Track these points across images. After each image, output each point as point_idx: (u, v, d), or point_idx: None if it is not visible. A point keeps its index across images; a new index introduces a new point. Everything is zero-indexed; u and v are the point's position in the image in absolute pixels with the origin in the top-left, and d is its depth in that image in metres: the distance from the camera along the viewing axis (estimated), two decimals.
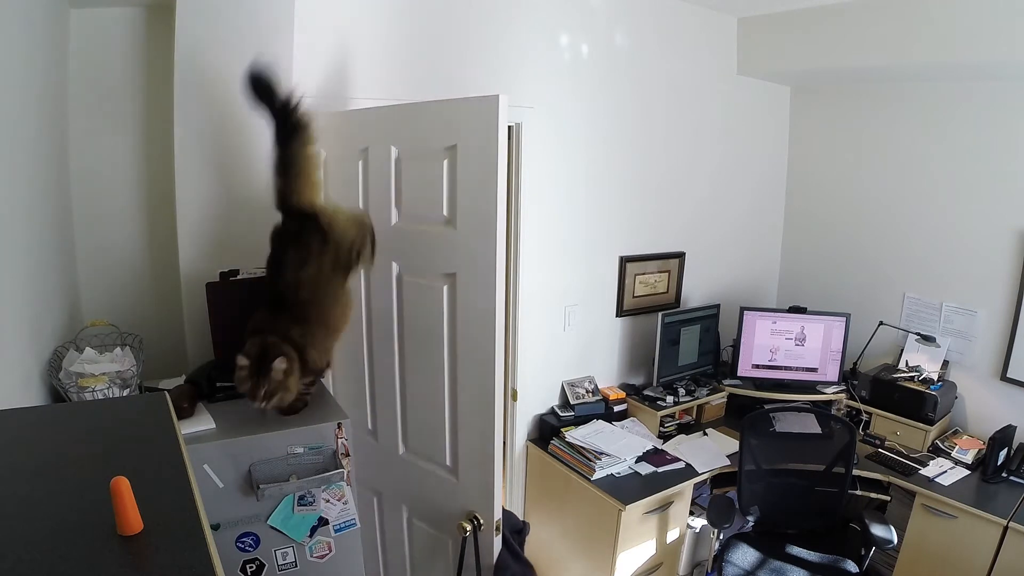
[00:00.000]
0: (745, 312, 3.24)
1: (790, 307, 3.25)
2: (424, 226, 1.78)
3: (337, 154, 1.99)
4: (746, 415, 2.79)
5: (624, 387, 3.23)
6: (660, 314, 3.10)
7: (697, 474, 2.72)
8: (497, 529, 1.81)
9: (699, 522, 2.80)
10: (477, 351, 1.72)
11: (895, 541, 2.46)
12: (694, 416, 3.20)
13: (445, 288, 1.76)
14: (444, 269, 1.75)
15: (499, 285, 1.64)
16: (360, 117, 1.98)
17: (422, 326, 1.86)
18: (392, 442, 2.06)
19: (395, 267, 1.90)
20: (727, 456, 2.85)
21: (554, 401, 3.05)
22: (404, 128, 1.81)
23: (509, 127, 2.52)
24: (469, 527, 1.80)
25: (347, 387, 2.16)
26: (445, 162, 1.68)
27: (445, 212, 1.72)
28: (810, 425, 2.83)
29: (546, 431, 2.93)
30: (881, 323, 3.20)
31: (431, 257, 1.78)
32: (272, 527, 1.53)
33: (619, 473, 2.65)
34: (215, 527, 1.47)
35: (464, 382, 1.79)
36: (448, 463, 1.90)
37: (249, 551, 1.52)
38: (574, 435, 2.77)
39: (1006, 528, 2.34)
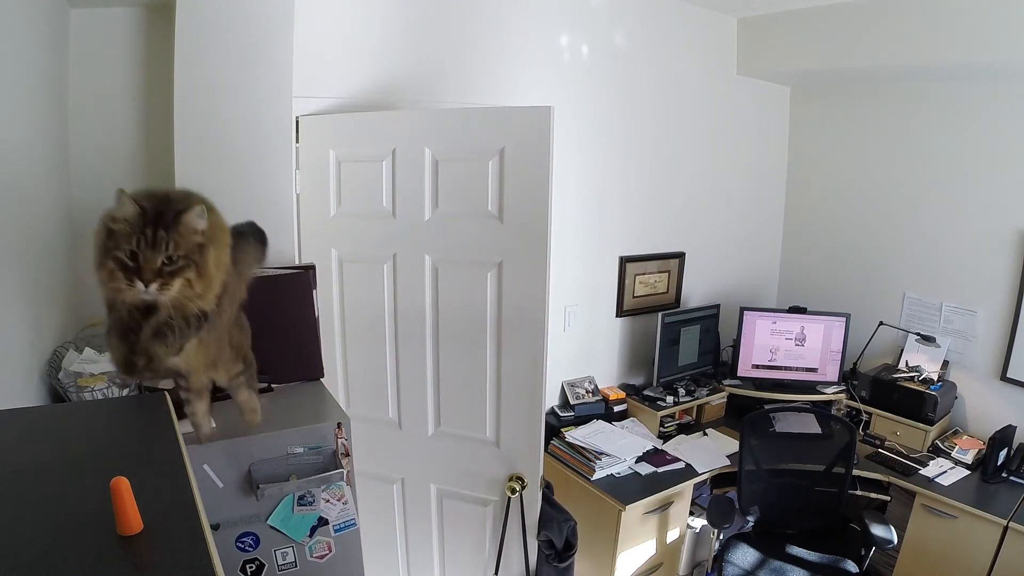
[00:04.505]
0: (745, 312, 3.24)
1: (790, 307, 3.25)
2: (465, 220, 1.91)
3: (352, 155, 2.02)
4: (746, 415, 2.79)
5: (624, 387, 3.23)
6: (660, 314, 3.10)
7: (697, 474, 2.72)
8: (541, 486, 2.02)
9: (699, 522, 2.80)
10: (524, 327, 1.90)
11: (895, 541, 2.46)
12: (694, 416, 3.20)
13: (490, 275, 1.92)
14: (491, 258, 1.90)
15: (548, 268, 1.84)
16: (383, 120, 2.03)
17: (462, 310, 1.98)
18: (421, 426, 2.11)
19: (428, 259, 1.98)
20: (727, 456, 2.85)
21: (554, 401, 3.04)
22: (440, 131, 1.90)
23: None
24: (518, 487, 1.98)
25: (365, 385, 2.18)
26: (491, 163, 1.84)
27: (491, 208, 1.87)
28: (810, 425, 2.83)
29: (546, 431, 2.91)
30: (881, 323, 3.20)
31: (475, 247, 1.92)
32: (272, 527, 1.53)
33: (619, 473, 2.65)
34: (215, 527, 1.47)
35: (510, 357, 1.94)
36: (488, 434, 2.03)
37: (249, 551, 1.52)
38: (574, 435, 2.77)
39: (1006, 528, 2.34)
